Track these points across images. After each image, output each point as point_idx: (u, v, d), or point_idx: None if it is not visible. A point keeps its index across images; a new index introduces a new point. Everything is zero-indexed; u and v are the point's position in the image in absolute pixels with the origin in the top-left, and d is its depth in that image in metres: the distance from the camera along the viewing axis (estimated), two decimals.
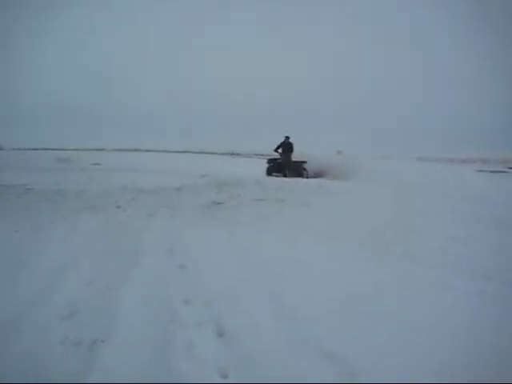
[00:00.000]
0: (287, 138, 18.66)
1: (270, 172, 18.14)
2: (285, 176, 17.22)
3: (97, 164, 25.71)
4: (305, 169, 18.19)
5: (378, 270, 4.49)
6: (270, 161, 18.91)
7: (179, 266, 4.48)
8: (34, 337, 2.91)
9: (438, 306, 3.55)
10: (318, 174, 17.28)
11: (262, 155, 20.10)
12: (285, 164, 18.28)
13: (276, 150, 18.69)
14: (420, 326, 3.16)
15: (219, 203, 8.66)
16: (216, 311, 3.36)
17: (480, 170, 25.20)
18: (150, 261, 4.67)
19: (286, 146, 18.56)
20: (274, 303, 3.54)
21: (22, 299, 3.51)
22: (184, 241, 5.57)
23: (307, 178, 17.23)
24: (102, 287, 3.84)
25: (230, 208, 8.17)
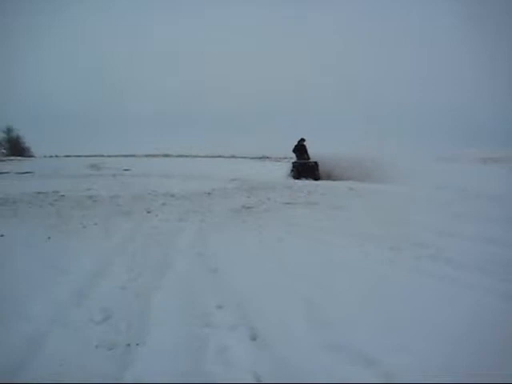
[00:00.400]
0: (301, 140, 18.66)
1: (297, 175, 17.93)
2: (315, 179, 17.05)
3: (127, 170, 26.04)
4: (313, 170, 17.99)
5: (407, 273, 4.39)
6: (294, 164, 18.80)
7: (210, 270, 4.47)
8: (70, 340, 2.95)
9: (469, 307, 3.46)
10: (342, 176, 16.76)
11: (291, 158, 20.00)
12: (301, 167, 18.25)
13: (294, 152, 18.73)
14: (448, 327, 3.08)
15: (249, 207, 8.65)
16: (248, 315, 3.35)
17: None
18: (181, 265, 4.69)
19: (300, 149, 18.56)
20: (306, 306, 3.51)
21: (56, 304, 3.56)
22: (215, 245, 5.57)
23: (319, 179, 17.05)
24: (134, 292, 3.87)
25: (260, 212, 8.15)
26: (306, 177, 17.33)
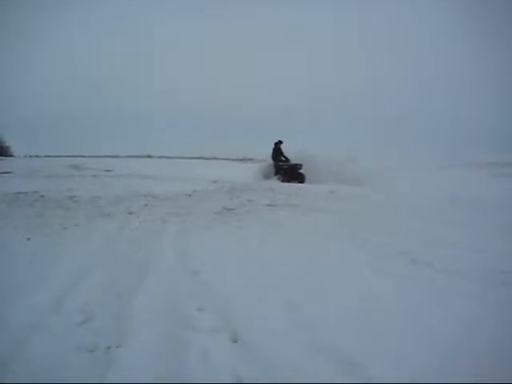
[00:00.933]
0: (279, 142, 18.77)
1: (284, 178, 17.87)
2: (300, 182, 17.11)
3: (109, 170, 25.89)
4: (299, 172, 17.98)
5: (387, 277, 4.43)
6: (279, 166, 18.77)
7: (192, 273, 4.48)
8: (50, 343, 2.93)
9: (450, 312, 3.51)
10: (327, 179, 16.73)
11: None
12: (277, 169, 18.36)
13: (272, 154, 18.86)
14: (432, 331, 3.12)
15: (230, 209, 8.65)
16: (230, 317, 3.35)
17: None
18: (163, 267, 4.68)
19: (275, 151, 18.68)
20: (288, 308, 3.53)
21: (36, 306, 3.53)
22: (196, 247, 5.57)
23: (303, 182, 17.08)
24: (115, 294, 3.85)
25: (241, 214, 8.16)
26: (290, 179, 17.35)
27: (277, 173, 18.37)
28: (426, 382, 2.51)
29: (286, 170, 18.24)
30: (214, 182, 15.60)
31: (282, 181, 17.40)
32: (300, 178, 17.59)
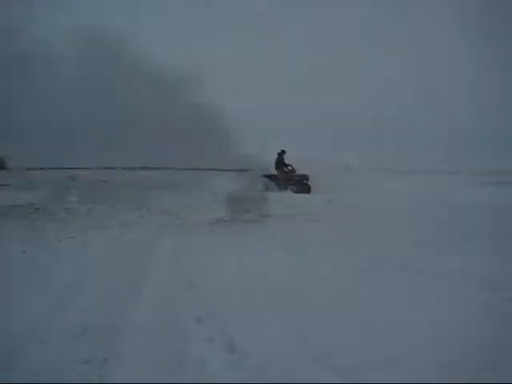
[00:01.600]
0: (282, 152, 18.84)
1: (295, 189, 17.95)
2: (307, 192, 17.22)
3: (105, 182, 25.81)
4: (306, 183, 18.06)
5: (382, 283, 4.45)
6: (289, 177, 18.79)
7: (187, 284, 4.46)
8: (45, 355, 2.90)
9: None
10: (326, 189, 16.84)
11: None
12: (278, 178, 18.39)
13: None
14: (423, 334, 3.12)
15: (226, 220, 8.63)
16: (225, 328, 3.34)
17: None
18: (158, 279, 4.68)
19: (278, 162, 18.76)
20: (282, 318, 3.53)
21: (32, 319, 3.51)
22: (191, 259, 5.56)
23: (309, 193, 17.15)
24: (111, 306, 3.84)
25: (236, 225, 8.14)
26: (300, 190, 17.47)
27: (288, 184, 18.34)
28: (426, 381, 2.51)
29: (298, 181, 18.31)
30: (211, 193, 15.59)
31: (295, 191, 17.46)
32: (307, 189, 17.70)
